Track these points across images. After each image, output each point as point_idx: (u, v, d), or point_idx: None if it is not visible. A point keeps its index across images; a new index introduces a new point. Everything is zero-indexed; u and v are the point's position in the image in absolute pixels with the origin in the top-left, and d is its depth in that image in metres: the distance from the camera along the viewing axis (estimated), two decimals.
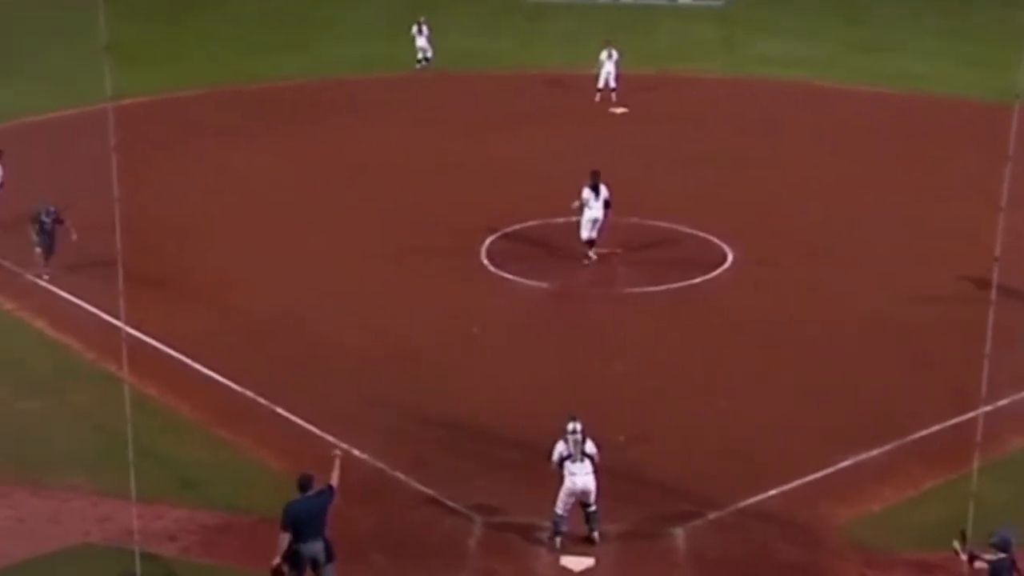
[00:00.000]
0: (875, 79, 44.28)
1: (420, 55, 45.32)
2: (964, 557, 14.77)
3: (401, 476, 19.11)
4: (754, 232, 29.24)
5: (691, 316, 25.46)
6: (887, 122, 39.44)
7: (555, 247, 28.10)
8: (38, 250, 26.11)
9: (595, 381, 22.25)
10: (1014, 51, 40.55)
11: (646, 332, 24.66)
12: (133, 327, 19.55)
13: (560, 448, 17.28)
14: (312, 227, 29.83)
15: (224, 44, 49.70)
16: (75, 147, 33.41)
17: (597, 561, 17.09)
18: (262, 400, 21.35)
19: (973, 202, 28.73)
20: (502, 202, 30.87)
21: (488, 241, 28.53)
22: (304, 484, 15.65)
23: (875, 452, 19.82)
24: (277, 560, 15.38)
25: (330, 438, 19.27)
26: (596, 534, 17.40)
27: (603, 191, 26.88)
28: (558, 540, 17.31)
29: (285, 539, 15.38)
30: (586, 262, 27.22)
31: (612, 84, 40.97)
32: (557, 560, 17.11)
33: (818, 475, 19.15)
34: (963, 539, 14.79)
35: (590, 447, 17.26)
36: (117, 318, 17.04)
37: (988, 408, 16.18)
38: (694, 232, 29.20)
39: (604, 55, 41.22)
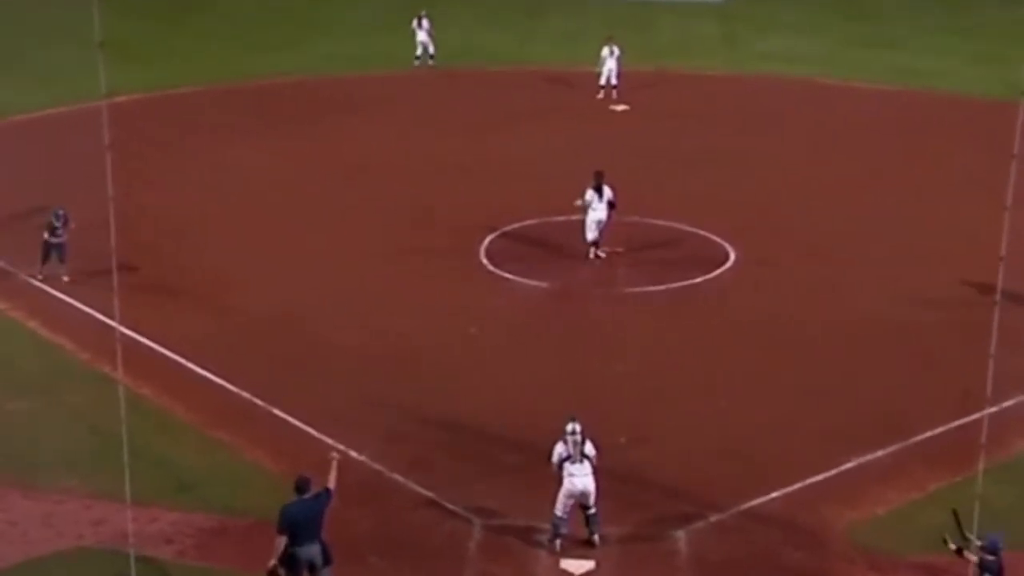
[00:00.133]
0: (876, 75, 44.13)
1: (420, 50, 44.96)
2: (953, 547, 14.95)
3: (399, 478, 18.96)
4: (755, 231, 29.08)
5: (692, 316, 25.29)
6: (889, 119, 39.28)
7: (555, 246, 27.93)
8: (48, 259, 25.68)
9: (595, 381, 22.11)
10: (1018, 46, 40.58)
11: (646, 332, 24.50)
12: (128, 327, 19.45)
13: (559, 449, 17.15)
14: (310, 226, 29.65)
15: (221, 41, 49.48)
16: (69, 145, 33.15)
17: (597, 564, 16.94)
18: (259, 401, 21.19)
19: (977, 201, 28.47)
20: (501, 200, 30.70)
21: (487, 240, 28.35)
22: (301, 486, 15.56)
23: (879, 454, 19.68)
24: (273, 563, 15.28)
25: (328, 439, 19.12)
26: (596, 537, 17.26)
27: (607, 192, 26.73)
28: (558, 543, 17.17)
29: (282, 542, 15.28)
30: (592, 258, 27.08)
31: (614, 81, 40.80)
32: (557, 563, 16.97)
33: (821, 477, 19.02)
34: (957, 522, 14.99)
35: (589, 448, 17.12)
36: (111, 318, 16.94)
37: (993, 409, 16.00)
38: (695, 231, 29.04)
39: (606, 52, 41.00)
